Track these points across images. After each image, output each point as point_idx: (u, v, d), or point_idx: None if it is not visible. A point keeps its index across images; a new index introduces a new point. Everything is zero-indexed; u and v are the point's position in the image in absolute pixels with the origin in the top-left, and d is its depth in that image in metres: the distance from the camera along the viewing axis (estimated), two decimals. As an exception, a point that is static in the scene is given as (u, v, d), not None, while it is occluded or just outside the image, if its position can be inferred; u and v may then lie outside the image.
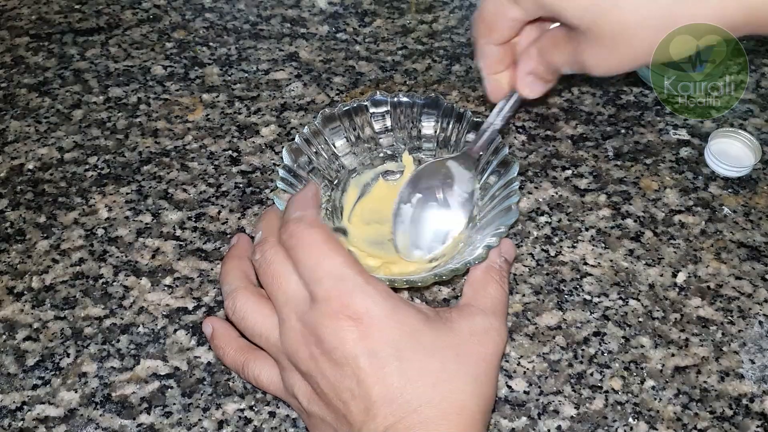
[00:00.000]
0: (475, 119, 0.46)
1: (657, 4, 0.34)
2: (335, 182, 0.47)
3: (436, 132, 0.47)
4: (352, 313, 0.34)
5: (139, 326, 0.44)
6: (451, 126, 0.47)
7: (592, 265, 0.47)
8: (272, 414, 0.41)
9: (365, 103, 0.47)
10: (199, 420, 0.40)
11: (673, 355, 0.43)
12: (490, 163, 0.45)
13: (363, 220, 0.47)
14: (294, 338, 0.36)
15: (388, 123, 0.48)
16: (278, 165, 0.44)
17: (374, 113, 0.48)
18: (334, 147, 0.47)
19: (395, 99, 0.47)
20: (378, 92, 0.48)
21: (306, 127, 0.46)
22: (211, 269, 0.47)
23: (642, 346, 0.43)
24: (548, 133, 0.54)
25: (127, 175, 0.52)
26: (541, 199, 0.50)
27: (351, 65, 0.60)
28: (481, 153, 0.45)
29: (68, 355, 0.43)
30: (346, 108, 0.47)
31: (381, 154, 0.49)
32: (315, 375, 0.35)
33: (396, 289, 0.45)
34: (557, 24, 0.39)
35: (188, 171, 0.53)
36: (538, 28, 0.41)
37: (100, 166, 0.53)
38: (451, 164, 0.45)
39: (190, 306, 0.45)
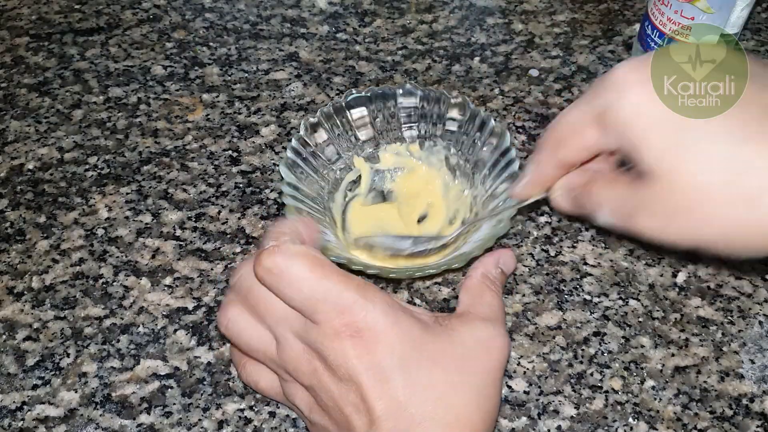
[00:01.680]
0: (453, 101, 0.46)
1: (740, 180, 0.29)
2: (324, 217, 0.46)
3: (415, 119, 0.48)
4: (353, 331, 0.34)
5: (139, 326, 0.44)
6: (430, 109, 0.47)
7: (592, 265, 0.47)
8: (272, 414, 0.41)
9: (342, 104, 0.47)
10: (199, 420, 0.40)
11: (673, 355, 0.43)
12: (481, 138, 0.45)
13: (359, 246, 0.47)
14: (294, 356, 0.35)
15: (369, 128, 0.48)
16: (280, 181, 0.44)
17: (352, 113, 0.48)
18: (323, 155, 0.47)
19: (369, 94, 0.47)
20: (353, 90, 0.48)
21: (293, 139, 0.46)
22: (211, 269, 0.47)
23: (642, 346, 0.43)
24: (548, 133, 0.54)
25: (127, 175, 0.52)
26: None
27: (351, 65, 0.60)
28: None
29: (68, 355, 0.43)
30: (326, 111, 0.47)
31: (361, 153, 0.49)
32: (318, 389, 0.35)
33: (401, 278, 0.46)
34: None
35: (188, 171, 0.53)
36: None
37: (100, 166, 0.53)
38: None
39: (190, 306, 0.45)
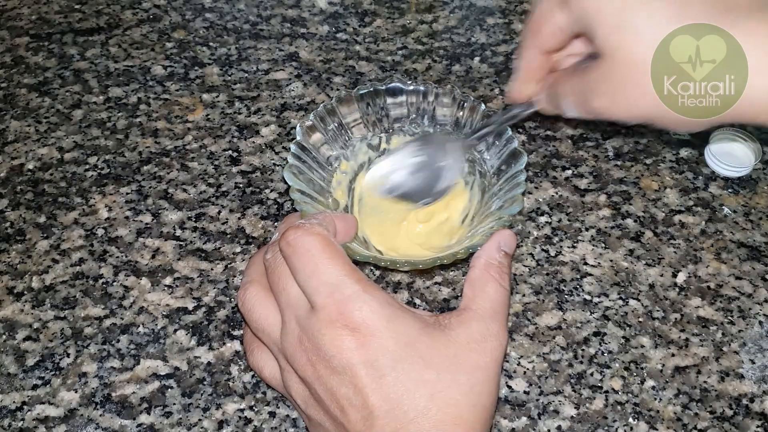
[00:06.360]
0: (439, 91, 0.46)
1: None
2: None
3: (408, 113, 0.48)
4: (349, 323, 0.34)
5: (139, 326, 0.44)
6: (421, 105, 0.47)
7: (592, 265, 0.47)
8: (272, 414, 0.41)
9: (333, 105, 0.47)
10: (199, 420, 0.40)
11: (673, 355, 0.43)
12: (502, 154, 0.45)
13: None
14: (292, 342, 0.36)
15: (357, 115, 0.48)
16: (292, 139, 0.44)
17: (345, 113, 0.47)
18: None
19: (362, 91, 0.47)
20: (343, 90, 0.47)
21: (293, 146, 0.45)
22: (211, 269, 0.47)
23: (642, 346, 0.43)
24: (548, 133, 0.54)
25: (127, 175, 0.52)
26: (541, 199, 0.50)
27: (351, 65, 0.60)
28: (475, 144, 0.45)
29: (68, 355, 0.43)
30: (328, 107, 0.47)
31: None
32: (312, 381, 0.35)
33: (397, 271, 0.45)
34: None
35: (188, 171, 0.53)
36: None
37: (100, 166, 0.53)
38: (449, 146, 0.45)
39: (190, 306, 0.45)
